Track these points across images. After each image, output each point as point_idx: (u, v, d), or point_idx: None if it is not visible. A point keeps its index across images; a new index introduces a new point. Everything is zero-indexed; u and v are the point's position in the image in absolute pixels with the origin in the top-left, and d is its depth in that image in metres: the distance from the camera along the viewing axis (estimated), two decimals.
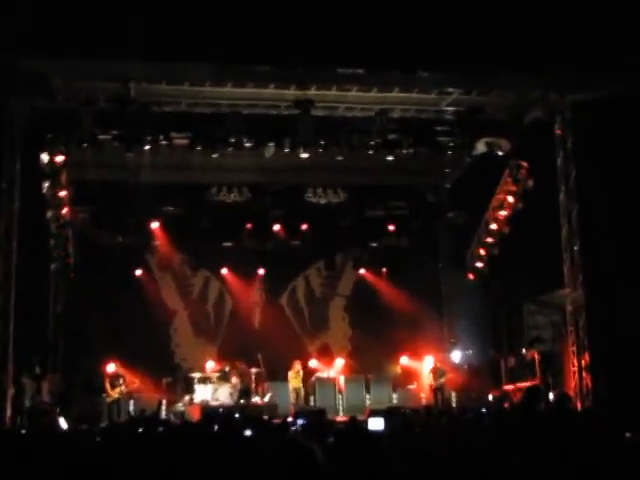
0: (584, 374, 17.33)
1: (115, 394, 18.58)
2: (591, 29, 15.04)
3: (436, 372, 20.37)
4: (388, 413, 10.89)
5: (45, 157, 17.46)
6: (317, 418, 13.60)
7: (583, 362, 17.42)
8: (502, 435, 7.56)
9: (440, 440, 7.11)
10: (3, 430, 13.87)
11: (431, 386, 20.35)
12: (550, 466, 6.14)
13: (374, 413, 11.34)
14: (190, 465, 5.58)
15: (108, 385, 18.64)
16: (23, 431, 14.19)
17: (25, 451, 6.99)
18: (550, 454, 6.13)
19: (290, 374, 20.19)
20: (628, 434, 7.37)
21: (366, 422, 8.69)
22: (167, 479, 5.30)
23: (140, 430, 8.53)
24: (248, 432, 7.68)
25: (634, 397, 14.17)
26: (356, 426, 8.13)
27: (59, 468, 5.91)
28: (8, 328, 15.77)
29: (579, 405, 16.85)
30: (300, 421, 12.28)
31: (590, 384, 17.15)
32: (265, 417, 15.18)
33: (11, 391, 15.84)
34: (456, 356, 21.89)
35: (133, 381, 19.56)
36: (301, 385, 20.17)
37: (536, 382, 18.45)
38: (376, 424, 8.06)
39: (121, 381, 18.84)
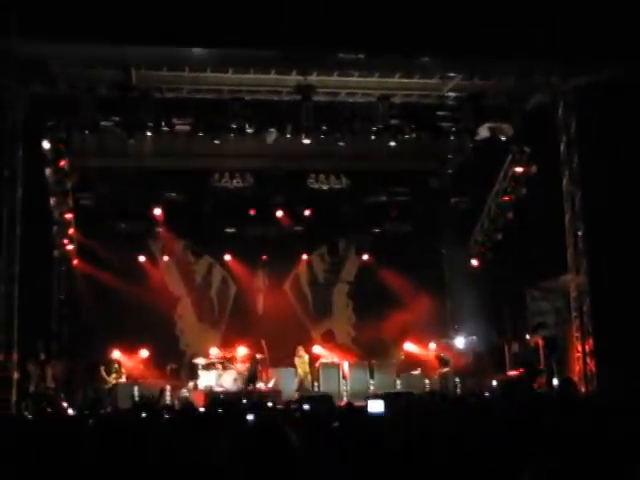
0: (588, 359, 17.34)
1: (112, 380, 18.65)
2: (593, 13, 14.95)
3: (440, 361, 20.37)
4: (388, 396, 10.92)
5: (47, 144, 17.46)
6: (325, 404, 13.62)
7: (587, 347, 17.43)
8: (506, 418, 7.56)
9: (443, 423, 7.12)
10: (8, 415, 13.92)
11: (437, 374, 20.32)
12: (552, 448, 6.13)
13: (374, 396, 11.35)
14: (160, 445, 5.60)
15: (103, 372, 18.72)
16: (28, 416, 14.28)
17: (30, 436, 7.01)
18: (553, 437, 6.13)
19: (297, 360, 20.17)
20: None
21: (365, 405, 8.69)
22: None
23: (142, 416, 8.54)
24: (250, 417, 7.74)
25: (638, 382, 14.16)
26: (353, 410, 8.15)
27: (63, 453, 5.91)
28: (13, 314, 15.82)
29: (583, 390, 16.87)
30: (306, 406, 12.28)
31: (594, 369, 17.16)
32: (269, 403, 15.29)
33: (16, 377, 15.90)
34: (460, 342, 21.90)
35: (129, 367, 19.65)
36: (308, 371, 20.18)
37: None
38: (376, 406, 8.06)
39: (117, 366, 18.92)
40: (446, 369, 20.30)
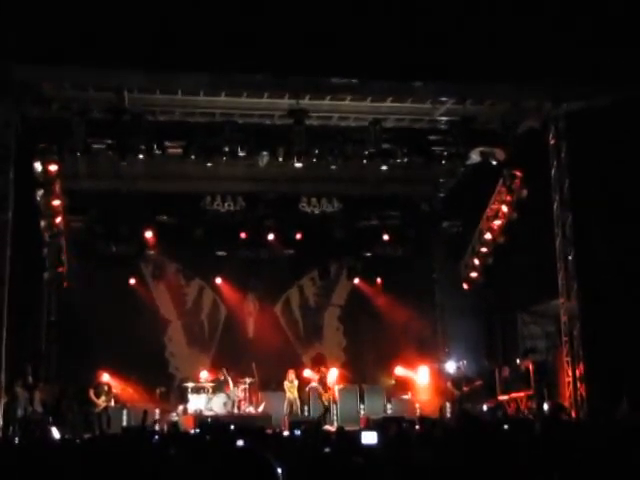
0: (578, 384, 17.29)
1: (102, 402, 18.49)
2: (584, 39, 15.09)
3: (455, 383, 20.12)
4: (382, 426, 10.83)
5: (38, 166, 17.44)
6: (314, 429, 13.54)
7: (577, 372, 17.38)
8: (497, 445, 7.53)
9: (432, 450, 7.08)
10: None
11: (453, 397, 20.06)
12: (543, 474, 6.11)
13: (369, 426, 11.25)
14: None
15: (93, 395, 18.54)
16: (16, 441, 14.13)
17: (17, 461, 6.95)
18: (545, 464, 6.11)
19: (286, 384, 20.05)
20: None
21: (359, 434, 8.58)
22: None
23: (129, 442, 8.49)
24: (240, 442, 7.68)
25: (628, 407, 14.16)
26: (345, 438, 8.08)
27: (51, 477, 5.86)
28: (1, 337, 15.68)
29: (574, 415, 16.82)
30: (297, 432, 12.20)
31: (585, 394, 17.11)
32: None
33: (4, 400, 15.75)
34: (450, 366, 21.83)
35: (118, 390, 19.51)
36: (296, 395, 20.03)
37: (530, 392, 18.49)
38: (369, 438, 7.95)
39: (106, 389, 18.76)
40: (459, 392, 19.97)
